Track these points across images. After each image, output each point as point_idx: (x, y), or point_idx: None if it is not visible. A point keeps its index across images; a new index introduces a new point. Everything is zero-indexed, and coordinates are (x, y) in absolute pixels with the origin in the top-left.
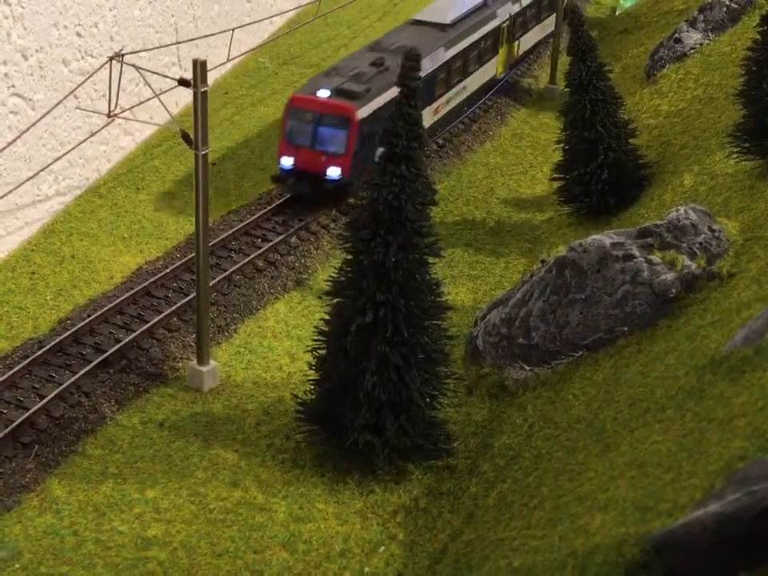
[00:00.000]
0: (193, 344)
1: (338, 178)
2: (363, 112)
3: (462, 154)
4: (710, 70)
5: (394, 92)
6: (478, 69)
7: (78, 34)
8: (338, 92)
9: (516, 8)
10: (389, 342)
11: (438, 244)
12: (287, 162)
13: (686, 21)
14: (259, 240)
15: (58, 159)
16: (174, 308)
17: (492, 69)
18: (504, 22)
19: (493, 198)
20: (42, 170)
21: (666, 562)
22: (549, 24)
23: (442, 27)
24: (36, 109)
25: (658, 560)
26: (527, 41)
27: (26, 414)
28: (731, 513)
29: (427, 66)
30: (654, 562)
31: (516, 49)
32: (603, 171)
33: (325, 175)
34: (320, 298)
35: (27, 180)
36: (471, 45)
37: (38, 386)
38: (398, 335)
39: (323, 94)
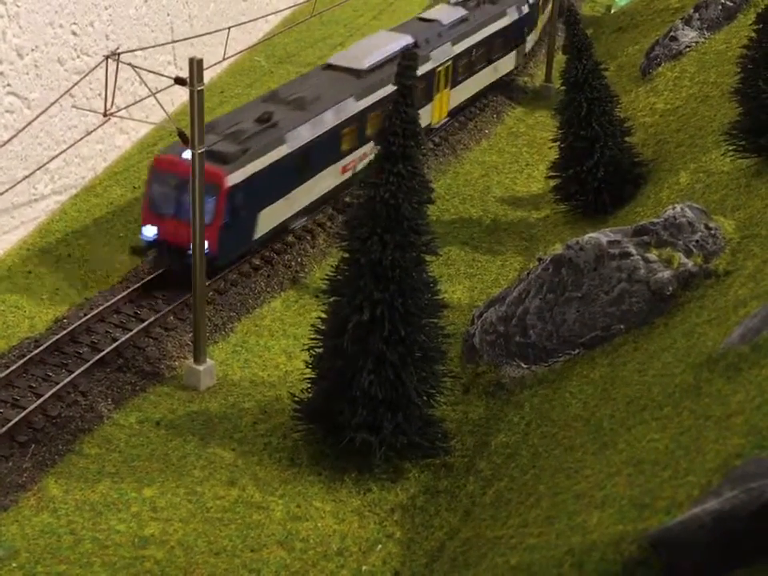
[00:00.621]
0: (189, 343)
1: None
2: (235, 177)
3: (458, 152)
4: (706, 68)
5: (279, 152)
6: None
7: (74, 33)
8: (206, 154)
9: (458, 49)
10: (386, 341)
11: (434, 242)
12: (149, 231)
13: (682, 19)
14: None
15: (54, 158)
16: (171, 307)
17: (424, 117)
18: (440, 65)
19: (489, 196)
20: (38, 169)
21: (663, 560)
22: (507, 62)
23: (356, 74)
24: (32, 108)
25: (655, 557)
26: (475, 84)
27: (23, 413)
28: (729, 510)
29: (330, 120)
30: (652, 559)
31: (460, 94)
32: (599, 169)
33: (189, 249)
34: (317, 296)
35: (23, 179)
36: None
37: (34, 385)
38: (395, 333)
39: (189, 155)
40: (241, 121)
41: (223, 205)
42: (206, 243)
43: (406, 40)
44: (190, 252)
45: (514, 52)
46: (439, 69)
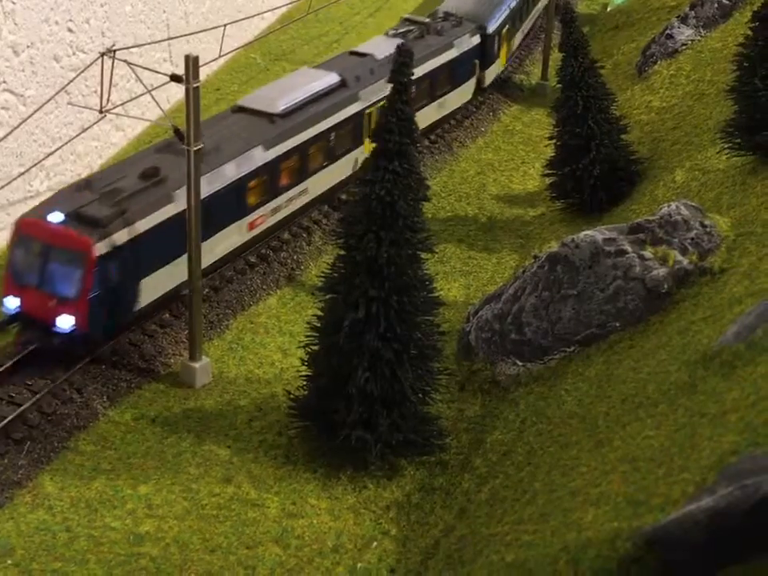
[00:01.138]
0: (185, 340)
1: (69, 329)
2: (105, 245)
3: (454, 149)
4: (702, 66)
5: (165, 213)
6: (325, 167)
7: (70, 30)
8: (75, 216)
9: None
10: (381, 338)
11: (430, 240)
12: (12, 303)
13: (678, 17)
14: None
15: (49, 155)
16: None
17: (350, 165)
18: (371, 105)
19: (485, 193)
20: (33, 166)
21: (658, 557)
22: (456, 98)
23: (269, 118)
24: (27, 105)
25: (650, 554)
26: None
27: (18, 411)
28: (723, 507)
29: (231, 173)
30: (647, 557)
31: None
32: (595, 167)
33: (54, 325)
34: (312, 293)
35: (19, 176)
36: (313, 138)
37: (30, 383)
38: (391, 331)
39: (55, 218)
40: (123, 176)
41: (92, 276)
42: (73, 319)
43: (331, 79)
44: (57, 328)
45: (463, 87)
46: (370, 110)
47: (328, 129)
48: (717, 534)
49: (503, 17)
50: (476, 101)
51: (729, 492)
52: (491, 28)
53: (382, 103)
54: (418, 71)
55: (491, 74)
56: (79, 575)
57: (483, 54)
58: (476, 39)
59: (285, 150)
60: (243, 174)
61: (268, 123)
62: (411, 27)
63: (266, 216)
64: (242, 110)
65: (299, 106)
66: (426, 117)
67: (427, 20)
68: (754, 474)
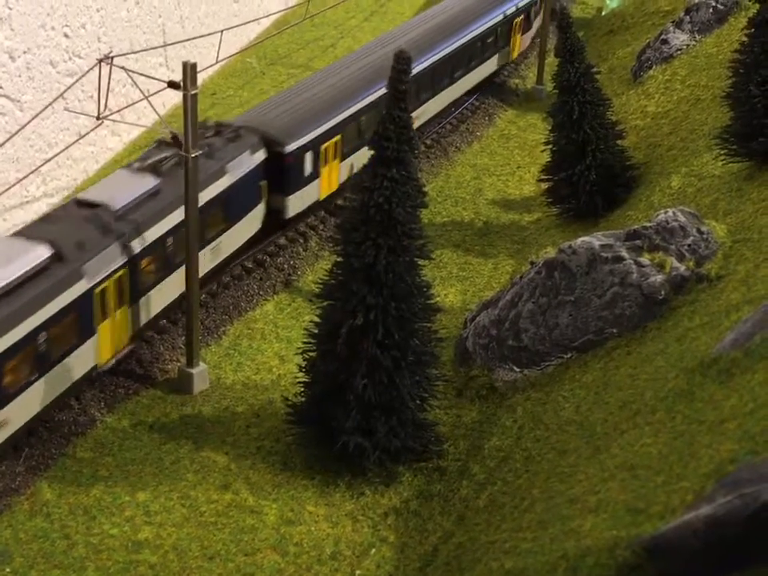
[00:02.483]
0: (182, 346)
1: None
2: None
3: (450, 154)
4: (697, 72)
5: None
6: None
7: (66, 35)
8: None
9: (138, 246)
10: (379, 345)
11: (428, 246)
12: None
13: (673, 22)
14: None
15: (48, 161)
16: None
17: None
18: (104, 282)
19: (481, 198)
20: (31, 173)
21: (657, 565)
22: (239, 233)
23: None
24: (24, 110)
25: (649, 563)
26: (173, 289)
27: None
28: (722, 515)
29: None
30: (646, 565)
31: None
32: (591, 172)
33: None
34: (310, 300)
35: (17, 183)
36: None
37: None
38: (389, 338)
39: None
40: None
41: None
42: None
43: (38, 255)
44: None
45: (242, 224)
46: (105, 285)
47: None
48: (716, 543)
49: (325, 124)
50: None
51: (728, 501)
52: (293, 142)
53: (121, 274)
54: (173, 218)
55: (295, 203)
56: None
57: (282, 175)
58: (259, 154)
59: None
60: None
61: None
62: (166, 153)
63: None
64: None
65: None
66: (165, 292)
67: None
68: (753, 483)
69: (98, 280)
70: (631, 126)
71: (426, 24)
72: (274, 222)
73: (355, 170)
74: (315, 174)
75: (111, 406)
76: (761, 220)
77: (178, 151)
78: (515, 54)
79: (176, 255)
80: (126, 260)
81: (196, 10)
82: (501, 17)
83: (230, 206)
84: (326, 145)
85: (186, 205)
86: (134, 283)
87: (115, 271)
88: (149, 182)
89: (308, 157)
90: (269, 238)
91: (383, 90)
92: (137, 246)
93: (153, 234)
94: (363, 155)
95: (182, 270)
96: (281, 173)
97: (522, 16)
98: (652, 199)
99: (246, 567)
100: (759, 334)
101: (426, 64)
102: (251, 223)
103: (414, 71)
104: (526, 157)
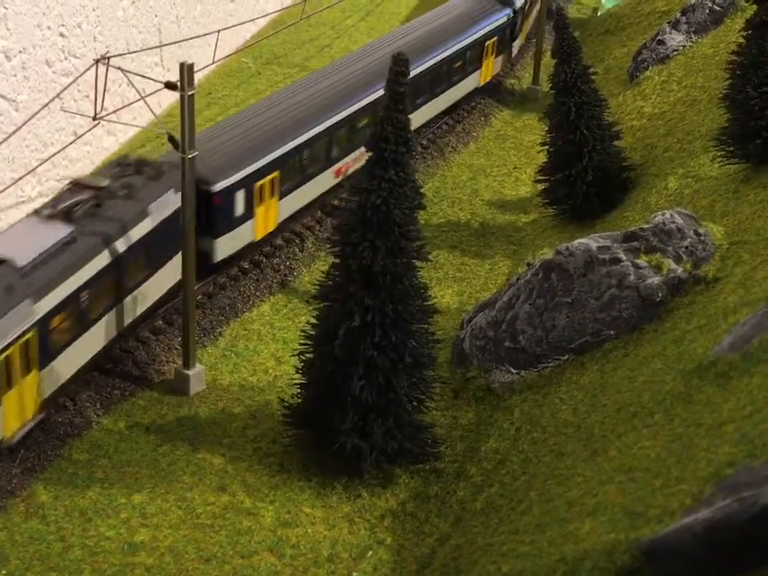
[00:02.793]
0: (179, 347)
1: None
2: None
3: (446, 155)
4: (693, 72)
5: None
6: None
7: (62, 35)
8: None
9: (47, 306)
10: (376, 347)
11: (425, 248)
12: None
13: (669, 22)
14: None
15: (44, 162)
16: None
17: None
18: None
19: (477, 199)
20: (27, 174)
21: (656, 569)
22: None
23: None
24: (20, 110)
25: (647, 566)
26: (89, 348)
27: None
28: (721, 519)
29: None
30: (644, 569)
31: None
32: (588, 173)
33: None
34: (307, 301)
35: (13, 183)
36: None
37: None
38: (386, 339)
39: None
40: None
41: None
42: None
43: None
44: None
45: (166, 269)
46: (9, 352)
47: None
48: (714, 547)
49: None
50: None
51: (726, 504)
52: (222, 180)
53: (28, 338)
54: (84, 272)
55: (226, 245)
56: None
57: (210, 216)
58: (175, 194)
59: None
60: None
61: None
62: (80, 197)
63: None
64: None
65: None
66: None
67: (105, 181)
68: (752, 487)
69: (0, 347)
70: (627, 127)
71: (384, 48)
72: (203, 266)
73: (296, 209)
74: (249, 215)
75: (107, 408)
76: (758, 222)
77: (93, 193)
78: (484, 80)
79: (92, 310)
80: (33, 322)
81: (192, 10)
82: (468, 41)
83: (154, 251)
84: (261, 182)
85: (182, 205)
86: (43, 346)
87: (21, 335)
88: (60, 231)
89: (240, 196)
90: (198, 283)
91: (331, 122)
92: (46, 305)
93: (65, 290)
94: (308, 191)
95: (101, 324)
96: (209, 213)
97: (495, 38)
98: (649, 200)
99: (243, 569)
100: (757, 337)
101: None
102: (178, 268)
103: (361, 104)
104: (523, 157)
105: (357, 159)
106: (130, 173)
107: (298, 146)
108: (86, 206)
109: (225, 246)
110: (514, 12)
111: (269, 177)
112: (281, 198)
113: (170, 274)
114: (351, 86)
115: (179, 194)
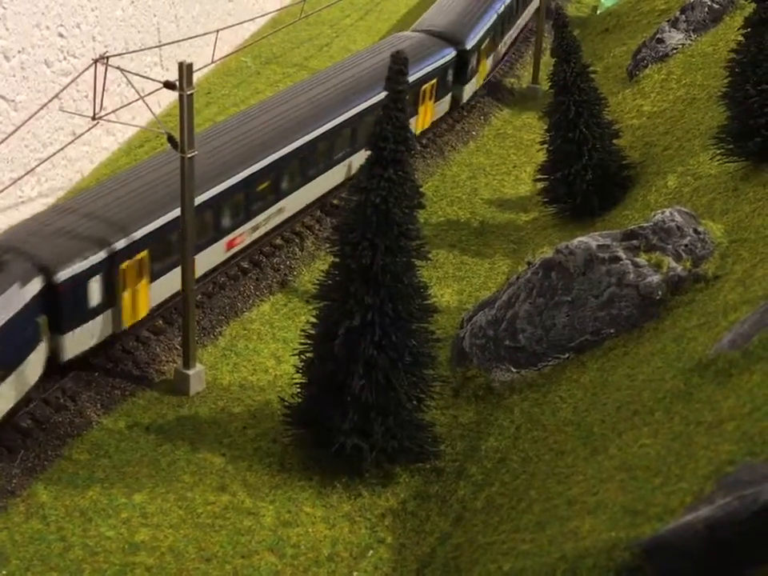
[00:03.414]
0: (178, 347)
1: None
2: None
3: (446, 154)
4: (693, 71)
5: None
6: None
7: (61, 35)
8: None
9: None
10: (376, 346)
11: (425, 247)
12: None
13: (668, 21)
14: None
15: (43, 162)
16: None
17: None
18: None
19: (477, 198)
20: (27, 174)
21: (656, 567)
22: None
23: None
24: (18, 110)
25: (649, 564)
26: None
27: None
28: (722, 517)
29: None
30: (645, 567)
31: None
32: (587, 172)
33: None
34: (307, 301)
35: (12, 183)
36: None
37: None
38: (386, 339)
39: None
40: None
41: None
42: None
43: None
44: None
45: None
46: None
47: None
48: (715, 544)
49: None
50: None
51: (727, 502)
52: (67, 267)
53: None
54: None
55: (76, 342)
56: None
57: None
58: (33, 288)
59: None
60: None
61: None
62: None
63: None
64: None
65: None
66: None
67: None
68: (752, 484)
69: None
70: (627, 126)
71: (283, 104)
72: (54, 365)
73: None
74: (109, 302)
75: (107, 408)
76: (757, 220)
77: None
78: (422, 127)
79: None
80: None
81: (191, 9)
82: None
83: None
84: (126, 264)
85: (182, 206)
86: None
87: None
88: None
89: (95, 282)
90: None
91: (214, 192)
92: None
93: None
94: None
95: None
96: (55, 306)
97: (434, 80)
98: (648, 199)
99: (243, 569)
100: (757, 334)
101: (269, 160)
102: (33, 370)
103: (244, 174)
104: (522, 156)
105: (252, 230)
106: None
107: (173, 221)
108: None
109: (74, 343)
110: (462, 52)
111: (136, 257)
112: (153, 280)
113: (19, 380)
114: (234, 154)
115: (25, 287)
